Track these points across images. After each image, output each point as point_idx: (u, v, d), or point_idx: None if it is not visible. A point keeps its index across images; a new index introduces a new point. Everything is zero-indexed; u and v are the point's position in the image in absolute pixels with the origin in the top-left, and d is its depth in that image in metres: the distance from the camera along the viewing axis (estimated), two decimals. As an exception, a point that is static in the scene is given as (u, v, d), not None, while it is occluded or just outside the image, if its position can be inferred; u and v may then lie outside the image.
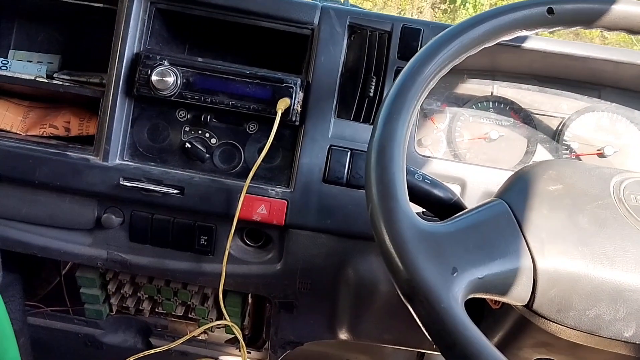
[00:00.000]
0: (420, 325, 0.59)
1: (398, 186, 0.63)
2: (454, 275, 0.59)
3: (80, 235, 1.02)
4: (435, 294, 0.57)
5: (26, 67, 1.06)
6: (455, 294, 0.58)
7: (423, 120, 1.05)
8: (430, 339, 0.59)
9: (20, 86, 1.01)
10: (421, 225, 0.61)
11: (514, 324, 0.75)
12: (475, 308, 0.94)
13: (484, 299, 0.79)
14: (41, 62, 1.08)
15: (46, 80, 1.00)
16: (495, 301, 0.78)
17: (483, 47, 0.73)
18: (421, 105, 1.04)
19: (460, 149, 1.05)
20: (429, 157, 0.98)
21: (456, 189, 0.96)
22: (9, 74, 1.02)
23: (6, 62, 1.05)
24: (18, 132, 1.03)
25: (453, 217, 0.67)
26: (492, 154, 1.05)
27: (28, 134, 1.03)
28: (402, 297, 0.60)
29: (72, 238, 1.02)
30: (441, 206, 0.78)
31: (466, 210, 0.68)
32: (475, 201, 0.95)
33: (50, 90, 0.99)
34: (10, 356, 0.50)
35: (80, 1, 0.99)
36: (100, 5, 0.98)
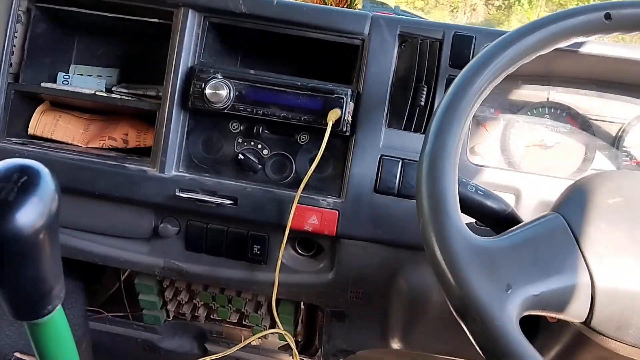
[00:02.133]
0: (474, 342, 0.58)
1: (449, 200, 0.62)
2: (508, 292, 0.58)
3: (139, 244, 1.05)
4: (489, 312, 0.56)
5: (87, 81, 1.10)
6: (510, 311, 0.57)
7: (476, 127, 1.04)
8: (484, 358, 0.58)
9: (81, 100, 1.05)
10: (474, 240, 0.60)
11: (571, 339, 0.73)
12: (530, 322, 0.92)
13: (539, 313, 0.77)
14: (101, 76, 1.12)
15: (105, 95, 1.03)
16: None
17: (538, 54, 0.72)
18: (474, 112, 1.03)
19: (514, 157, 1.02)
20: (482, 165, 0.96)
21: (510, 198, 0.94)
22: (70, 88, 1.06)
23: (68, 77, 1.10)
24: (79, 144, 1.07)
25: (507, 231, 0.65)
26: (548, 162, 1.02)
27: (89, 146, 1.07)
28: (454, 313, 0.60)
29: (131, 247, 1.06)
30: (495, 218, 0.76)
31: (520, 224, 0.67)
32: (530, 211, 0.93)
33: (109, 103, 1.03)
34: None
35: (137, 17, 1.02)
36: (156, 20, 1.01)
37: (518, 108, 1.05)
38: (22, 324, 0.48)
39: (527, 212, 0.93)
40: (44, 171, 0.44)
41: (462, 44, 0.95)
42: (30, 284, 0.44)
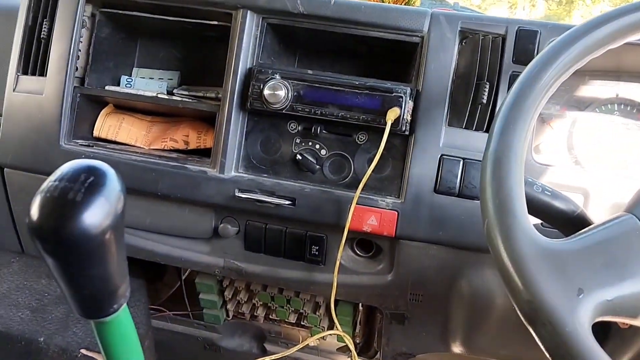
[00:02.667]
0: (543, 349, 0.56)
1: (516, 201, 0.60)
2: (580, 297, 0.56)
3: (199, 244, 1.07)
4: (559, 317, 0.54)
5: (148, 84, 1.12)
6: (581, 317, 0.55)
7: (541, 125, 1.00)
8: None
9: (144, 103, 1.07)
10: (543, 243, 0.58)
11: (645, 346, 0.70)
12: (601, 327, 0.88)
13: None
14: (162, 78, 1.14)
15: (166, 97, 1.05)
16: (625, 321, 0.73)
17: (608, 48, 0.68)
18: (538, 110, 1.00)
19: (582, 155, 0.98)
20: (548, 165, 0.93)
21: (578, 199, 0.91)
22: (133, 91, 1.09)
23: (130, 80, 1.12)
24: (142, 145, 1.09)
25: (578, 233, 0.62)
26: (618, 161, 0.98)
27: (151, 147, 1.09)
28: (522, 318, 0.58)
29: (192, 246, 1.07)
30: (563, 219, 0.74)
31: (592, 226, 0.64)
32: (600, 212, 0.89)
33: (170, 105, 1.04)
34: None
35: (197, 20, 1.03)
36: (216, 22, 1.02)
37: (585, 105, 1.00)
38: (88, 322, 0.49)
39: (596, 213, 0.89)
40: (110, 172, 0.44)
41: (527, 39, 0.92)
42: (97, 283, 0.45)
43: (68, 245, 0.41)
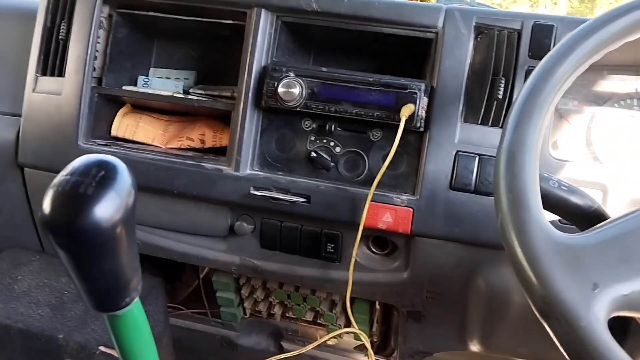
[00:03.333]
0: (558, 344, 0.55)
1: (530, 195, 0.59)
2: (595, 291, 0.55)
3: (216, 242, 1.07)
4: (574, 312, 0.54)
5: (165, 83, 1.13)
6: (597, 312, 0.54)
7: (558, 121, 0.99)
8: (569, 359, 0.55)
9: (160, 102, 1.08)
10: (557, 237, 0.57)
11: (665, 343, 0.68)
12: (619, 324, 0.87)
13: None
14: (178, 78, 1.15)
15: (182, 96, 1.06)
16: (644, 318, 0.72)
17: (625, 41, 0.67)
18: (556, 105, 0.98)
19: (600, 151, 0.97)
20: (566, 160, 0.92)
21: (597, 195, 0.89)
22: (150, 91, 1.10)
23: (147, 80, 1.13)
24: (159, 145, 1.10)
25: (594, 227, 0.62)
26: (638, 156, 0.96)
27: (167, 146, 1.10)
28: (537, 314, 0.57)
29: (208, 244, 1.08)
30: (580, 215, 0.73)
31: (608, 220, 0.63)
32: (619, 208, 0.88)
33: (187, 105, 1.05)
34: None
35: (212, 19, 1.04)
36: (230, 21, 1.03)
37: (604, 100, 0.99)
38: (102, 316, 0.50)
39: (615, 209, 0.88)
40: (121, 166, 0.45)
41: (542, 34, 0.91)
42: (109, 276, 0.46)
43: (80, 238, 0.42)
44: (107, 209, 0.42)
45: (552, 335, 0.55)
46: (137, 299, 0.49)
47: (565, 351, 0.54)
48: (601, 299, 0.54)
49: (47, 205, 0.42)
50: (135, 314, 0.50)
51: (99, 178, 0.43)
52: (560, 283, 0.54)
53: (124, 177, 0.44)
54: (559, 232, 0.58)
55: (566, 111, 0.99)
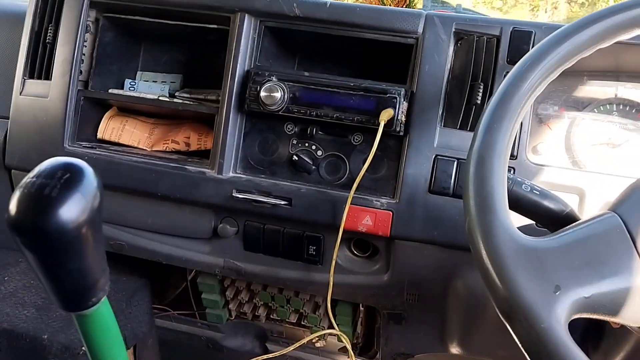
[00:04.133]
0: (520, 345, 0.56)
1: (497, 199, 0.60)
2: (557, 293, 0.56)
3: (200, 244, 1.08)
4: (535, 313, 0.55)
5: (151, 87, 1.15)
6: (558, 313, 0.55)
7: (538, 126, 1.00)
8: None
9: (146, 105, 1.09)
10: (521, 240, 0.59)
11: (635, 345, 0.70)
12: (595, 328, 0.88)
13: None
14: (165, 81, 1.17)
15: (167, 99, 1.07)
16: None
17: (597, 48, 0.68)
18: (536, 110, 1.00)
19: (579, 156, 0.98)
20: (544, 165, 0.93)
21: (574, 199, 0.90)
22: (135, 94, 1.11)
23: (134, 83, 1.15)
24: (144, 147, 1.11)
25: (558, 231, 0.63)
26: (616, 162, 0.97)
27: (153, 149, 1.11)
28: (500, 315, 0.58)
29: (193, 246, 1.09)
30: (552, 218, 0.73)
31: (574, 224, 0.64)
32: (595, 213, 0.89)
33: (172, 108, 1.06)
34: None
35: (197, 23, 1.05)
36: (215, 26, 1.04)
37: (584, 105, 1.00)
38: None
39: (591, 214, 0.89)
40: (87, 169, 0.46)
41: (521, 40, 0.92)
42: (76, 276, 0.47)
43: (44, 239, 0.43)
44: (71, 211, 0.43)
45: (514, 336, 0.56)
46: (104, 299, 0.50)
47: (526, 352, 0.55)
48: (562, 301, 0.55)
49: (13, 207, 0.43)
50: (103, 314, 0.50)
51: (64, 180, 0.44)
52: (523, 285, 0.55)
53: (90, 179, 0.45)
54: (524, 235, 0.59)
55: (546, 116, 1.01)
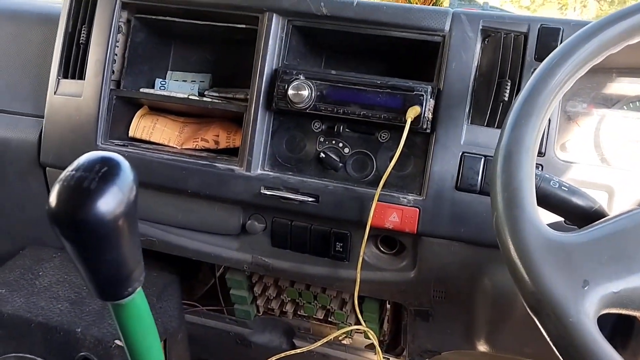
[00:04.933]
0: (548, 339, 0.57)
1: (525, 194, 0.60)
2: (585, 288, 0.56)
3: (228, 240, 1.10)
4: (563, 308, 0.55)
5: (181, 86, 1.17)
6: (586, 308, 0.55)
7: (567, 123, 1.00)
8: (559, 355, 0.56)
9: (176, 104, 1.11)
10: (549, 235, 0.59)
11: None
12: (623, 325, 0.88)
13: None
14: (194, 81, 1.19)
15: (197, 98, 1.09)
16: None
17: (626, 44, 0.68)
18: (565, 107, 0.99)
19: (608, 153, 0.97)
20: (573, 162, 0.93)
21: (603, 196, 0.90)
22: (166, 93, 1.13)
23: (164, 83, 1.17)
24: (174, 145, 1.13)
25: (588, 226, 0.63)
26: (646, 158, 0.96)
27: (183, 147, 1.13)
28: (528, 310, 0.58)
29: (221, 243, 1.11)
30: (581, 215, 0.73)
31: (603, 219, 0.64)
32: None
33: (201, 106, 1.08)
34: (154, 349, 0.56)
35: (226, 23, 1.06)
36: (243, 26, 1.05)
37: (613, 102, 0.99)
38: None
39: (620, 211, 0.88)
40: (124, 163, 0.48)
41: (549, 37, 0.92)
42: (112, 267, 0.48)
43: (83, 230, 0.45)
44: (109, 203, 0.45)
45: (542, 331, 0.57)
46: (139, 289, 0.52)
47: (555, 346, 0.56)
48: (591, 296, 0.56)
49: (53, 199, 0.45)
50: (138, 303, 0.52)
51: (102, 173, 0.45)
52: (551, 279, 0.56)
53: (126, 173, 0.47)
54: (552, 230, 0.59)
55: (575, 113, 1.00)
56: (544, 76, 0.66)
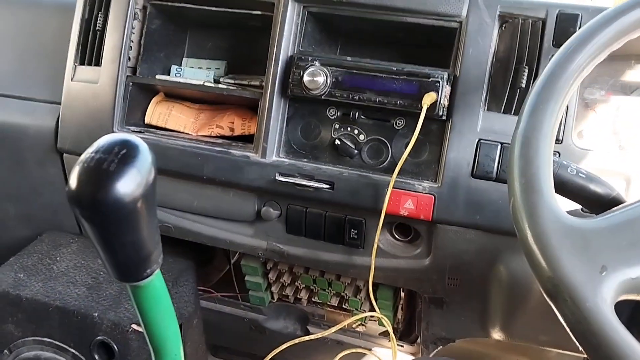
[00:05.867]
0: (564, 325, 0.57)
1: (543, 179, 0.60)
2: (603, 274, 0.56)
3: (243, 227, 1.11)
4: (580, 293, 0.55)
5: (197, 73, 1.17)
6: (604, 293, 0.55)
7: (584, 110, 0.99)
8: (575, 340, 0.56)
9: (192, 91, 1.12)
10: (567, 221, 0.59)
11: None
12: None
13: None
14: (210, 68, 1.19)
15: (212, 85, 1.10)
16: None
17: None
18: (582, 94, 0.98)
19: (626, 140, 0.96)
20: (590, 149, 0.92)
21: (620, 183, 0.89)
22: (182, 80, 1.13)
23: (180, 70, 1.17)
24: (190, 132, 1.14)
25: (606, 212, 0.62)
26: (665, 146, 0.95)
27: (198, 134, 1.14)
28: (545, 296, 0.58)
29: (236, 229, 1.11)
30: (599, 202, 0.73)
31: (621, 205, 0.63)
32: (641, 197, 0.88)
33: (216, 93, 1.09)
34: (172, 331, 0.57)
35: (241, 10, 1.06)
36: (259, 12, 1.05)
37: (631, 90, 0.98)
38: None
39: (638, 198, 0.88)
40: (143, 145, 0.48)
41: (567, 23, 0.91)
42: (131, 248, 0.49)
43: (102, 211, 0.45)
44: (128, 185, 0.45)
45: (559, 316, 0.56)
46: (158, 271, 0.52)
47: (571, 332, 0.56)
48: (609, 281, 0.55)
49: (73, 181, 0.45)
50: (156, 285, 0.53)
51: (121, 155, 0.46)
52: (568, 265, 0.56)
53: (145, 155, 0.47)
54: (570, 215, 0.59)
55: (592, 101, 0.99)
56: (562, 61, 0.66)
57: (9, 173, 1.25)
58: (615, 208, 0.62)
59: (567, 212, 0.60)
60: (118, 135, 0.47)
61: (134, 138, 0.48)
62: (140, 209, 0.47)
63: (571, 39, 0.67)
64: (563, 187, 0.72)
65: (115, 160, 0.45)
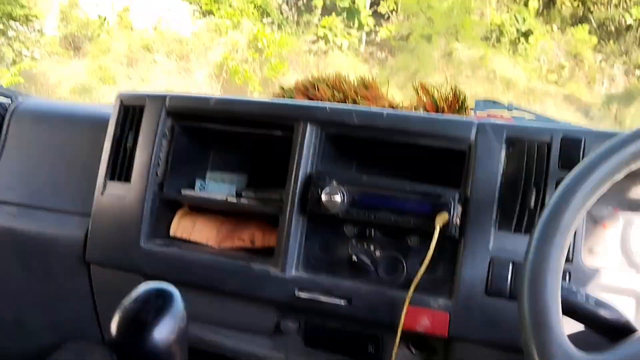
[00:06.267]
0: None
1: (551, 315, 0.63)
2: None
3: (263, 339, 1.13)
4: None
5: (220, 187, 1.23)
6: None
7: (593, 226, 1.02)
8: None
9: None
10: (576, 356, 0.61)
11: None
12: None
13: None
14: (232, 181, 1.25)
15: (235, 201, 1.15)
16: None
17: None
18: (591, 211, 1.01)
19: (636, 257, 0.99)
20: (599, 268, 0.94)
21: (629, 302, 0.91)
22: (206, 194, 1.19)
23: (204, 184, 1.23)
24: (212, 245, 1.18)
25: (615, 345, 0.64)
26: (674, 263, 0.97)
27: (220, 245, 1.18)
28: None
29: (256, 341, 1.13)
30: (608, 327, 0.75)
31: (631, 336, 0.65)
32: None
33: (238, 207, 1.14)
34: None
35: (263, 130, 1.13)
36: (279, 133, 1.12)
37: (639, 206, 1.02)
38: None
39: (649, 318, 0.89)
40: (176, 294, 0.52)
41: (571, 147, 0.96)
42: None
43: (140, 357, 0.49)
44: (162, 333, 0.49)
45: None
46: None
47: None
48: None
49: (114, 329, 0.49)
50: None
51: (158, 306, 0.50)
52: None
53: (178, 303, 0.52)
54: (579, 352, 0.61)
55: (601, 217, 1.02)
56: (567, 195, 0.69)
57: (39, 282, 1.29)
58: (623, 341, 0.64)
59: (575, 333, 0.63)
60: (153, 285, 0.51)
61: (168, 287, 0.52)
62: (174, 352, 0.51)
63: (574, 171, 0.71)
64: (573, 312, 0.74)
65: (152, 310, 0.49)
